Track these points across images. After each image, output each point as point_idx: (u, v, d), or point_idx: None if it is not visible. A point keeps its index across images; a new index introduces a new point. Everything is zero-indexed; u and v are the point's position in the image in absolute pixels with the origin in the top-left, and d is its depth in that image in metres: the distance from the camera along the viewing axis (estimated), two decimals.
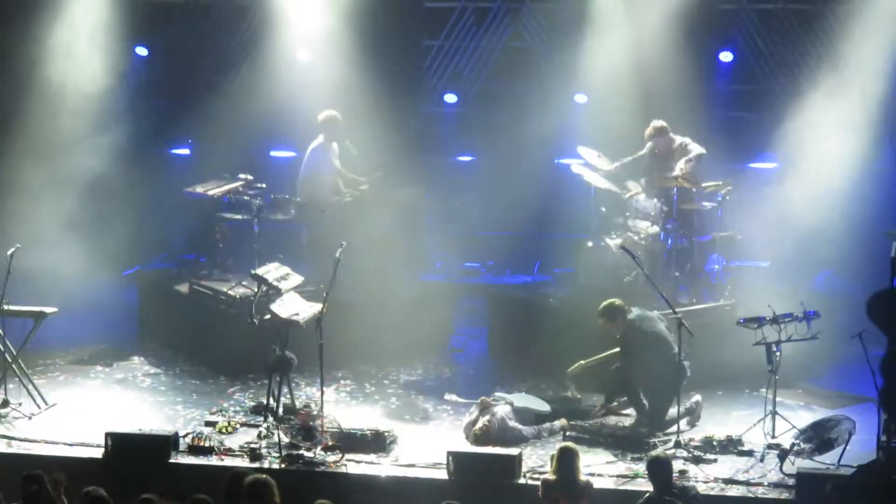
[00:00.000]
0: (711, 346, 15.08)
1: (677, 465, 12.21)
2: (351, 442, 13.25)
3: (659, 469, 11.20)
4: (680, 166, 15.97)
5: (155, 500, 10.25)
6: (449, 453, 12.72)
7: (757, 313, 13.74)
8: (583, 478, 11.46)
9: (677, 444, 13.20)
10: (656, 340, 13.91)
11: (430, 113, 20.09)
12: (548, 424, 13.95)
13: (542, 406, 14.29)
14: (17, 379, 14.79)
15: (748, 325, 13.72)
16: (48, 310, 14.90)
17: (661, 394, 13.79)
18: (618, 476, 12.65)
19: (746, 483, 12.46)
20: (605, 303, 14.15)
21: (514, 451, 12.79)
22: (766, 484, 12.43)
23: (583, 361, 14.46)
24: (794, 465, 12.54)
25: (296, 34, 18.90)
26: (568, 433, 13.73)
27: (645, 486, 11.94)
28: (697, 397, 14.14)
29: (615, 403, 14.53)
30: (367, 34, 18.71)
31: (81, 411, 14.62)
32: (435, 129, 20.14)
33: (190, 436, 13.46)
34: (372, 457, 13.12)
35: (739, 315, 14.28)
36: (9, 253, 14.66)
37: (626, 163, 16.54)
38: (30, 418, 14.37)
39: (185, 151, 20.23)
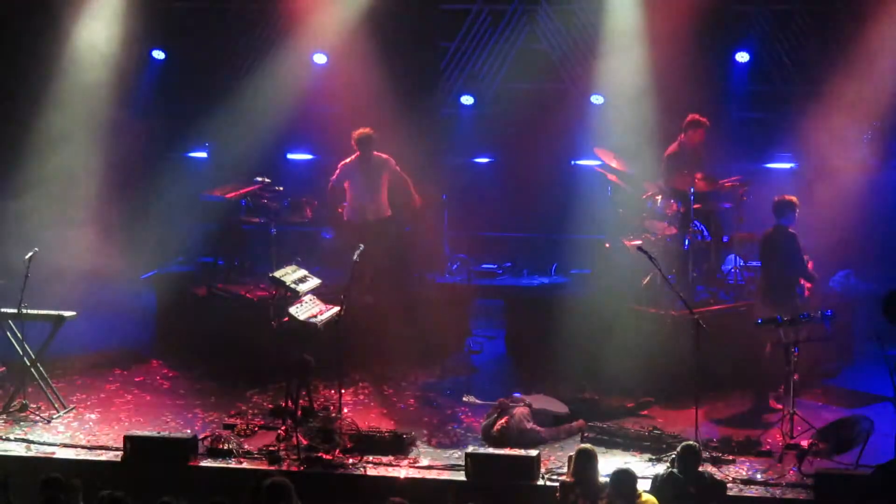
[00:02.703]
0: (729, 346, 15.04)
1: None
2: (369, 444, 13.27)
3: (686, 456, 11.35)
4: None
5: (174, 502, 10.29)
6: (467, 455, 12.74)
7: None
8: (601, 479, 11.46)
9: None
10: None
11: (447, 115, 20.07)
12: (566, 426, 13.96)
13: (560, 407, 14.27)
14: (36, 382, 14.84)
15: (766, 326, 13.70)
16: (67, 314, 14.97)
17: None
18: None
19: (765, 483, 12.45)
20: None
21: (532, 452, 12.81)
22: (784, 484, 12.43)
23: None
24: (813, 465, 12.52)
25: (312, 37, 18.92)
26: (586, 434, 13.72)
27: None
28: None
29: (634, 405, 14.60)
30: (384, 36, 18.71)
31: (100, 415, 14.68)
32: (452, 130, 20.12)
33: (209, 439, 13.50)
34: (390, 459, 13.14)
35: (757, 315, 14.27)
36: (27, 257, 14.72)
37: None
38: (48, 422, 14.43)
39: (203, 155, 20.24)
